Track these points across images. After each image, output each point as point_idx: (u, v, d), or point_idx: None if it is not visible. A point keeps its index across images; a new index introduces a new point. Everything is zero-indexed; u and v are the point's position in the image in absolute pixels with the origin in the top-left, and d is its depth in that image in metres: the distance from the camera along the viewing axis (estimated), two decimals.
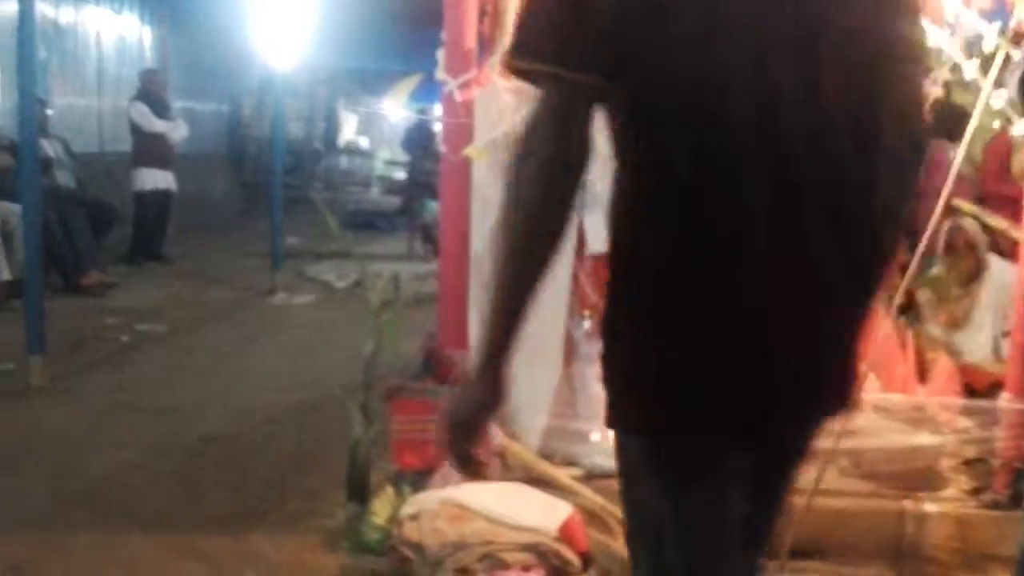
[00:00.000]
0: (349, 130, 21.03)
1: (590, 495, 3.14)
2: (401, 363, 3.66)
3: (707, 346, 1.32)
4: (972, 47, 3.09)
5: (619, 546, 2.95)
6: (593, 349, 3.50)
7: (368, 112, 20.19)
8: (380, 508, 3.11)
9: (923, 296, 4.53)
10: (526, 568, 2.71)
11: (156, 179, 9.23)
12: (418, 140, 11.99)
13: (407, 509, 2.89)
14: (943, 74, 3.21)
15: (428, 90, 3.72)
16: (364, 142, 20.61)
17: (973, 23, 3.06)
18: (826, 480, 3.13)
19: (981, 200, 4.30)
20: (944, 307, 4.39)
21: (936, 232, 3.89)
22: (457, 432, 1.41)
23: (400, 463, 3.23)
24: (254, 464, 3.99)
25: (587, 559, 2.81)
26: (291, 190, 11.44)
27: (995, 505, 3.20)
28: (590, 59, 1.27)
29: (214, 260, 9.51)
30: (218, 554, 3.17)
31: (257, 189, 13.38)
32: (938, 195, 3.03)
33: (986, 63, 3.06)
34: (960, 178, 3.11)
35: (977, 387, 3.69)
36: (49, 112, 8.50)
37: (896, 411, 3.45)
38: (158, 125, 9.17)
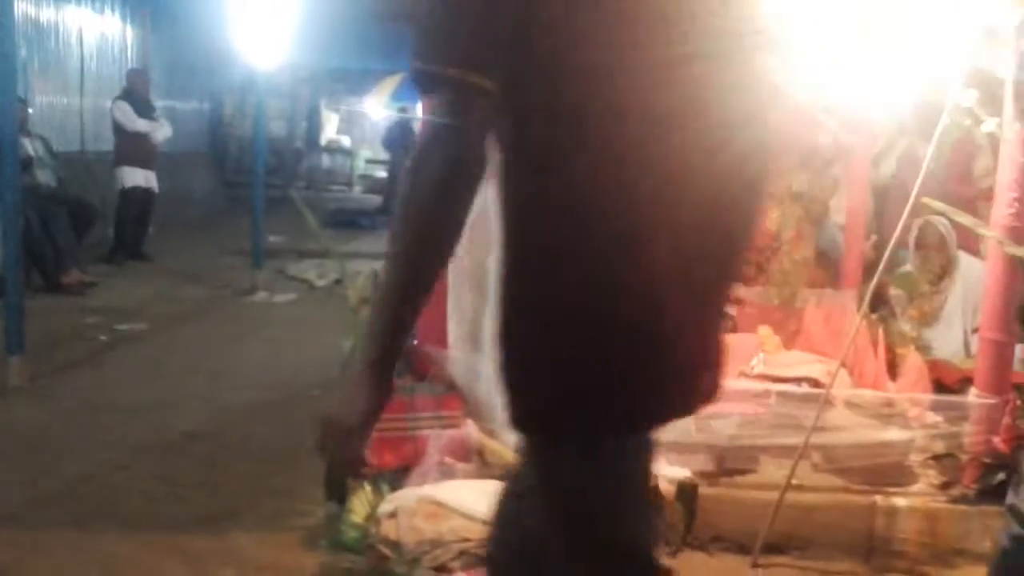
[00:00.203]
0: (331, 129, 20.98)
1: None
2: None
3: (608, 349, 1.37)
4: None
5: None
6: None
7: (350, 111, 20.17)
8: (358, 506, 3.12)
9: (894, 293, 4.59)
10: None
11: (137, 178, 9.22)
12: (399, 139, 12.02)
13: (385, 507, 2.91)
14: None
15: (409, 89, 3.74)
16: (346, 141, 20.56)
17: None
18: (798, 476, 3.19)
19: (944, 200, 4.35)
20: (915, 304, 4.45)
21: (906, 230, 3.95)
22: (340, 436, 1.38)
23: (378, 461, 3.25)
24: (234, 463, 4.00)
25: None
26: (273, 189, 11.44)
27: (964, 500, 3.25)
28: (494, 66, 1.29)
29: (195, 259, 9.49)
30: (198, 553, 3.18)
31: (239, 188, 13.36)
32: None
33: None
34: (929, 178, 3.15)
35: (947, 383, 3.74)
36: (30, 111, 8.47)
37: (867, 407, 3.51)
38: (140, 124, 9.16)
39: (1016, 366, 3.49)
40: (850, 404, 3.53)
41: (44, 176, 8.01)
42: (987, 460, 3.25)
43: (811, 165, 5.24)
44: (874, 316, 4.21)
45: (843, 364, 3.44)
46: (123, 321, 6.53)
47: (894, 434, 3.42)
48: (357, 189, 18.41)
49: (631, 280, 1.35)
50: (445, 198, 1.32)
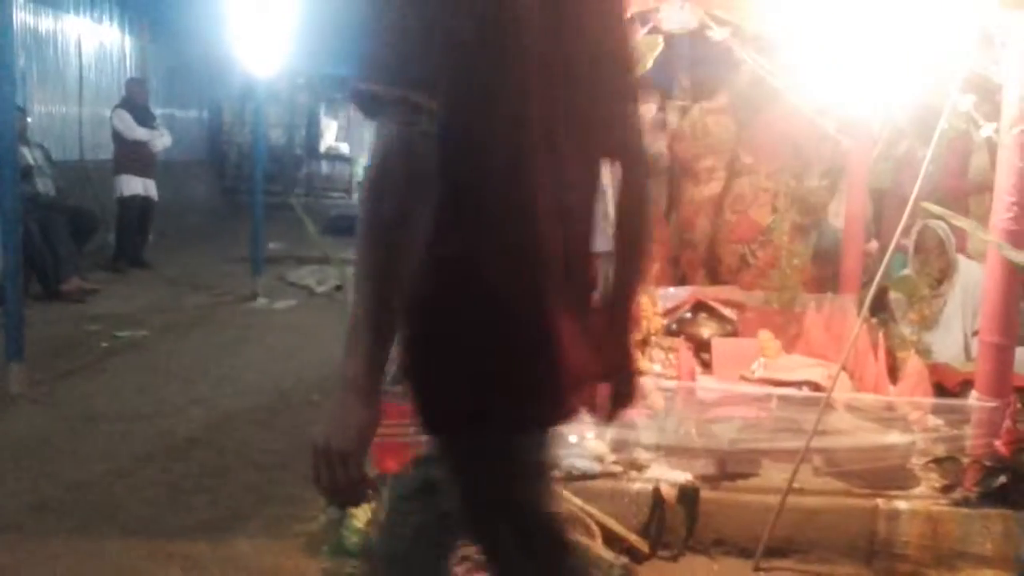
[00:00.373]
0: (330, 136, 21.00)
1: (568, 497, 3.18)
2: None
3: (516, 345, 1.40)
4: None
5: (597, 547, 3.00)
6: None
7: (349, 118, 20.18)
8: (359, 512, 3.12)
9: (894, 297, 4.60)
10: None
11: (136, 186, 9.23)
12: None
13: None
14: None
15: None
16: (345, 148, 20.58)
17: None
18: (799, 479, 3.20)
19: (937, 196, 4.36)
20: (915, 307, 4.45)
21: (906, 233, 3.96)
22: (337, 463, 1.37)
23: (380, 467, 3.25)
24: (235, 469, 4.00)
25: None
26: (272, 196, 11.44)
27: (965, 502, 3.25)
28: (435, 84, 1.33)
29: (195, 266, 9.50)
30: (200, 559, 3.18)
31: (238, 195, 13.37)
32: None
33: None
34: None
35: (948, 386, 3.75)
36: (29, 120, 8.49)
37: (868, 410, 3.51)
38: (139, 133, 9.19)
39: (1016, 369, 3.49)
40: (851, 408, 3.53)
41: (43, 185, 8.03)
42: (988, 463, 3.25)
43: (809, 169, 5.26)
44: (874, 320, 4.22)
45: (844, 368, 3.45)
46: (123, 328, 6.53)
47: (895, 437, 3.42)
48: (356, 196, 18.40)
49: (525, 288, 1.39)
50: (410, 215, 1.35)
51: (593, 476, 3.36)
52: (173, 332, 6.68)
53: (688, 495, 3.23)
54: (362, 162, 19.31)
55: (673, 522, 3.23)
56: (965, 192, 5.08)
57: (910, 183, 3.28)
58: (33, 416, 4.62)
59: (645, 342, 4.48)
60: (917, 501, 3.28)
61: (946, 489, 3.33)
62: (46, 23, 10.37)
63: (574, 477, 3.34)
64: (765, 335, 4.37)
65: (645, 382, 3.83)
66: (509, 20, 1.36)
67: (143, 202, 9.31)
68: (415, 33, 1.33)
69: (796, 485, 3.19)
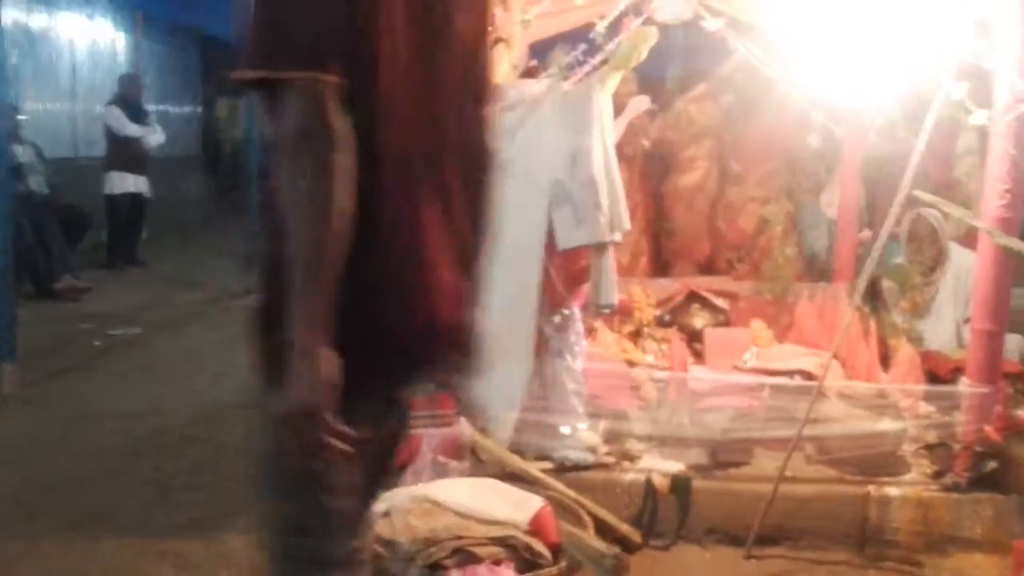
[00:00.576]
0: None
1: (561, 488, 3.19)
2: None
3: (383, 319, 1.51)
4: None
5: (590, 537, 3.00)
6: (564, 344, 3.55)
7: None
8: None
9: (886, 285, 4.60)
10: (497, 562, 2.73)
11: (127, 183, 9.18)
12: None
13: (378, 506, 2.90)
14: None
15: None
16: None
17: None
18: (791, 467, 3.21)
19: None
20: (907, 295, 4.46)
21: (898, 222, 3.96)
22: (303, 423, 1.40)
23: None
24: (228, 466, 4.00)
25: (558, 551, 2.84)
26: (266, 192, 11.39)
27: (956, 488, 3.26)
28: (336, 62, 1.41)
29: (189, 263, 9.48)
30: (193, 557, 3.18)
31: (232, 192, 13.33)
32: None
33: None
34: None
35: (939, 373, 3.76)
36: (21, 117, 8.45)
37: (859, 398, 3.52)
38: (131, 129, 9.13)
39: (1007, 355, 3.50)
40: (843, 396, 3.54)
41: (36, 183, 8.01)
42: (979, 449, 3.26)
43: (801, 158, 5.26)
44: (866, 308, 4.23)
45: (836, 356, 3.46)
46: (117, 326, 6.53)
47: (887, 425, 3.43)
48: None
49: (416, 258, 1.54)
50: (332, 177, 1.41)
51: (586, 467, 3.37)
52: (167, 330, 6.67)
53: (680, 485, 3.24)
54: None
55: (665, 512, 3.23)
56: (951, 180, 5.08)
57: (901, 172, 3.28)
58: (25, 416, 4.61)
59: (638, 333, 4.49)
60: (908, 487, 3.29)
61: (937, 475, 3.34)
62: (38, 20, 10.34)
63: (567, 468, 3.35)
64: (757, 325, 4.38)
65: (638, 374, 3.84)
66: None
67: (135, 199, 9.27)
68: (312, 14, 1.42)
69: (788, 473, 3.20)
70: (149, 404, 4.79)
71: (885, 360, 3.94)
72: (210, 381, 5.25)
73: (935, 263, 4.49)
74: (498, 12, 3.94)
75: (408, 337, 1.56)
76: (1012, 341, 3.79)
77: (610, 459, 3.44)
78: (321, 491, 1.54)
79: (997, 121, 3.21)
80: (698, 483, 3.27)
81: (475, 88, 1.70)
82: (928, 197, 3.38)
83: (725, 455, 3.46)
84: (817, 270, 5.20)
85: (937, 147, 4.88)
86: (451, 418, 3.28)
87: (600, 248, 3.41)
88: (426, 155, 1.57)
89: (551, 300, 3.51)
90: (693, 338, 4.46)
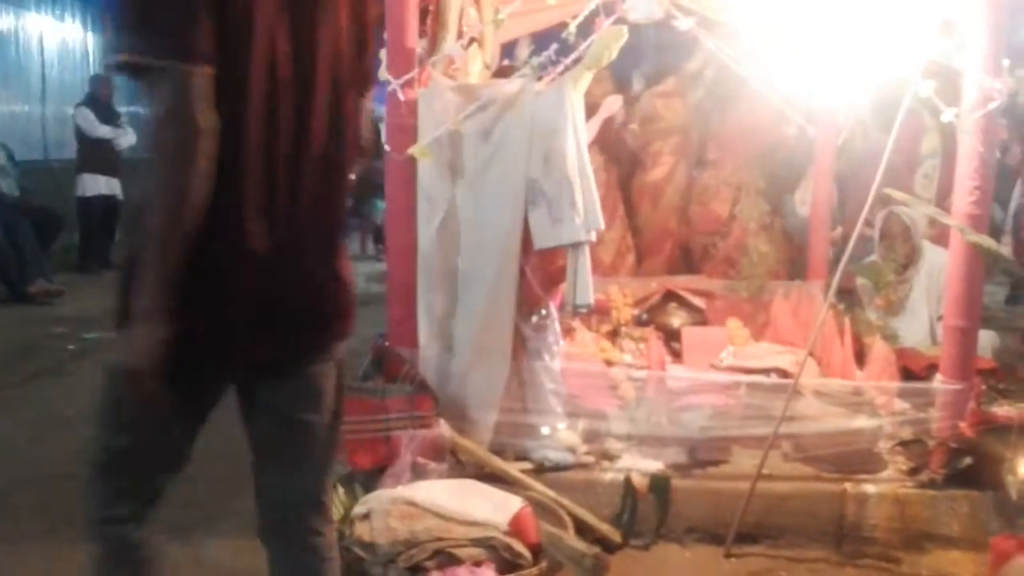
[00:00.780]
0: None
1: (541, 488, 3.19)
2: (352, 362, 3.65)
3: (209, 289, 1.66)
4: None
5: (570, 537, 3.00)
6: (542, 344, 3.55)
7: None
8: (335, 511, 3.11)
9: (860, 282, 4.64)
10: (477, 563, 2.73)
11: (100, 185, 9.09)
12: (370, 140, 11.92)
13: (358, 509, 2.90)
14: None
15: (376, 90, 3.73)
16: None
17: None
18: (769, 465, 3.22)
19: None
20: (881, 293, 4.50)
21: (869, 220, 3.99)
22: (133, 379, 1.62)
23: (351, 463, 3.24)
24: (207, 470, 3.91)
25: (538, 552, 2.84)
26: None
27: (932, 485, 3.29)
28: (201, 51, 1.55)
29: None
30: (174, 562, 3.10)
31: None
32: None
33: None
34: None
35: (914, 370, 3.79)
36: None
37: (835, 396, 3.54)
38: (102, 131, 9.04)
39: (980, 352, 3.53)
40: (819, 393, 3.56)
41: (7, 186, 7.92)
42: (954, 445, 3.29)
43: (775, 156, 5.29)
44: (841, 306, 4.26)
45: (811, 354, 3.48)
46: (91, 330, 6.45)
47: (862, 422, 3.45)
48: None
49: (248, 230, 1.67)
50: (189, 163, 1.56)
51: (565, 467, 3.37)
52: None
53: (659, 484, 3.25)
54: None
55: (645, 511, 3.24)
56: (911, 168, 5.14)
57: (872, 170, 3.30)
58: (9, 423, 4.55)
59: (615, 332, 4.50)
60: (885, 484, 3.32)
61: (913, 472, 3.36)
62: (6, 21, 10.22)
63: (546, 468, 3.35)
64: (734, 323, 4.41)
65: (616, 373, 3.85)
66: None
67: (108, 201, 9.18)
68: (181, 4, 1.54)
69: (766, 471, 3.21)
70: None
71: (860, 357, 3.97)
72: None
73: (908, 260, 4.53)
74: (470, 12, 3.95)
75: (237, 310, 1.70)
76: (984, 337, 3.83)
77: (589, 459, 3.44)
78: (130, 431, 1.83)
79: (965, 119, 3.25)
80: (677, 482, 3.28)
81: (343, 82, 1.81)
82: (900, 195, 3.41)
83: (703, 453, 3.47)
84: (793, 268, 5.24)
85: (903, 148, 4.95)
86: (430, 419, 3.27)
87: (576, 248, 3.42)
88: (286, 153, 1.71)
89: (528, 300, 3.51)
90: (670, 337, 4.48)
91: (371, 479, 3.13)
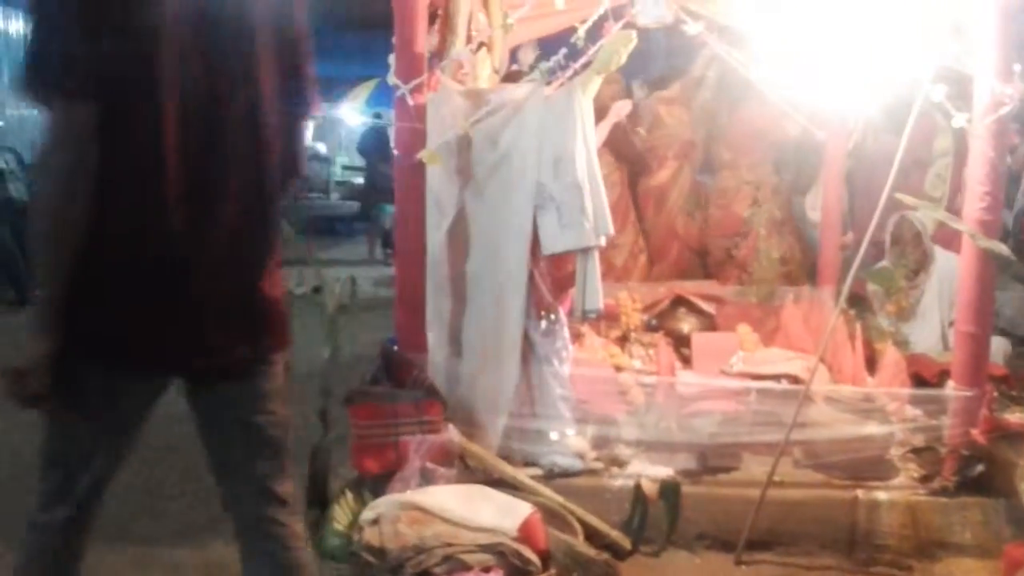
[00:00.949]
0: (307, 136, 20.83)
1: (550, 494, 3.17)
2: (361, 367, 3.66)
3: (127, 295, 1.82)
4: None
5: (579, 544, 2.99)
6: (551, 349, 3.54)
7: (325, 118, 20.03)
8: (340, 514, 3.10)
9: (871, 288, 4.61)
10: (486, 569, 2.72)
11: None
12: (374, 145, 11.95)
13: (367, 514, 2.89)
14: None
15: (384, 95, 3.74)
16: (322, 148, 20.44)
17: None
18: (779, 472, 3.21)
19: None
20: (892, 298, 4.47)
21: (882, 225, 3.97)
22: (17, 379, 1.81)
23: (360, 468, 3.23)
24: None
25: (547, 558, 2.82)
26: None
27: (944, 492, 3.27)
28: (86, 87, 1.70)
29: None
30: (178, 565, 3.16)
31: None
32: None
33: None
34: None
35: (926, 376, 3.76)
36: (0, 124, 8.39)
37: (846, 402, 3.52)
38: None
39: (992, 358, 3.51)
40: (829, 400, 3.54)
41: (15, 189, 7.94)
42: (966, 452, 3.27)
43: (785, 160, 5.27)
44: (852, 312, 4.24)
45: (822, 360, 3.46)
46: None
47: (874, 428, 3.43)
48: (334, 196, 18.30)
49: (160, 239, 1.81)
50: (74, 190, 1.73)
51: (574, 473, 3.36)
52: None
53: (669, 490, 3.23)
54: (340, 161, 19.23)
55: (655, 517, 3.23)
56: (922, 170, 5.12)
57: (881, 174, 3.29)
58: (5, 422, 4.55)
59: (625, 338, 4.48)
60: (896, 491, 3.30)
61: (925, 479, 3.34)
62: (15, 25, 10.25)
63: (555, 474, 3.34)
64: (744, 329, 4.39)
65: (625, 379, 3.83)
66: (146, 33, 1.74)
67: None
68: (72, 39, 1.69)
69: (776, 478, 3.20)
70: None
71: (871, 364, 3.94)
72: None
73: (919, 266, 4.50)
74: (479, 17, 3.94)
75: (131, 322, 1.84)
76: (996, 343, 3.80)
77: (598, 465, 3.43)
78: (48, 434, 1.98)
79: (976, 124, 3.23)
80: (687, 488, 3.26)
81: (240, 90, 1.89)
82: (911, 200, 3.39)
83: (713, 460, 3.46)
84: (804, 273, 5.21)
85: (914, 150, 4.93)
86: (439, 424, 3.26)
87: (585, 252, 3.41)
88: (201, 175, 1.83)
89: (537, 305, 3.50)
90: (680, 343, 4.46)
91: (380, 484, 3.11)
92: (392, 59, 3.49)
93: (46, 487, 2.03)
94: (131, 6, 1.74)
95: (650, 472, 3.33)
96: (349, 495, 3.15)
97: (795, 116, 4.63)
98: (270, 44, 1.94)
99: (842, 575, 3.14)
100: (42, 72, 1.73)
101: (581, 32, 3.33)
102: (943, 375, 3.56)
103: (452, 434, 3.24)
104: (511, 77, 4.24)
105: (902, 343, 4.14)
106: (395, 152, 3.56)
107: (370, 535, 2.81)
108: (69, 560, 2.09)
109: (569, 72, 3.58)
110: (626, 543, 3.18)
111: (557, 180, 3.35)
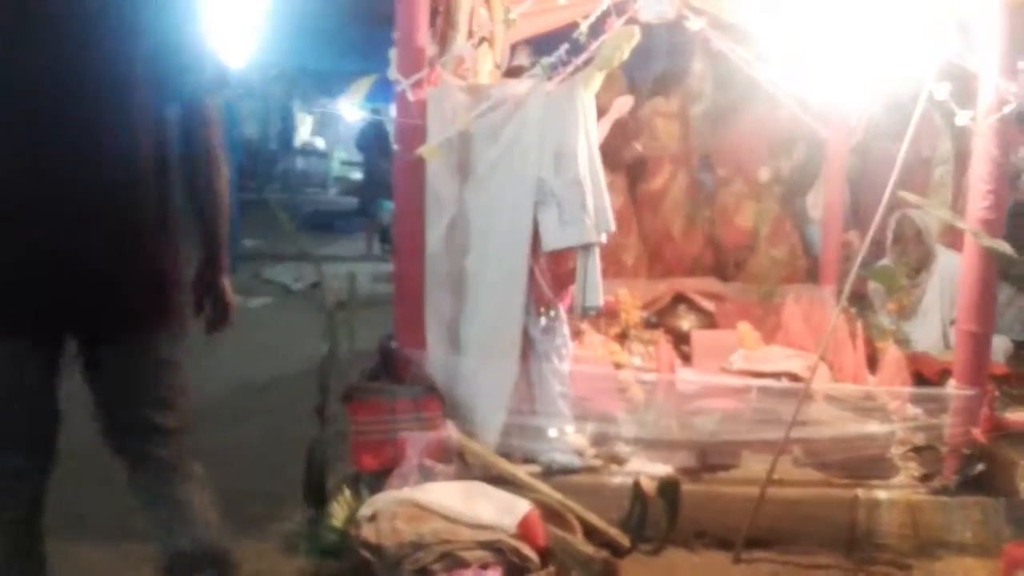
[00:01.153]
0: (305, 131, 20.83)
1: (548, 491, 3.16)
2: (359, 363, 3.64)
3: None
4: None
5: (578, 541, 2.97)
6: (551, 346, 3.53)
7: (324, 112, 20.03)
8: (338, 511, 3.09)
9: (872, 286, 4.60)
10: (484, 566, 2.70)
11: None
12: (373, 140, 11.93)
13: (365, 511, 2.88)
14: None
15: (383, 89, 3.72)
16: (320, 143, 20.44)
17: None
18: (779, 470, 3.19)
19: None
20: (893, 297, 4.47)
21: (884, 223, 3.96)
22: None
23: (358, 464, 3.22)
24: (209, 468, 3.91)
25: (545, 555, 2.81)
26: (247, 192, 11.34)
27: (945, 491, 3.26)
28: None
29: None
30: None
31: None
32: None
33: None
34: None
35: (927, 375, 3.76)
36: None
37: (847, 401, 3.51)
38: None
39: (993, 357, 3.50)
40: (830, 398, 3.53)
41: None
42: (967, 451, 3.26)
43: (789, 155, 5.25)
44: (853, 310, 4.23)
45: (823, 358, 3.45)
46: None
47: (874, 427, 3.42)
48: (333, 191, 18.29)
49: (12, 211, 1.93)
50: None
51: (573, 470, 3.35)
52: None
53: (668, 488, 3.22)
54: (338, 156, 19.19)
55: (654, 515, 3.21)
56: (926, 188, 5.11)
57: (884, 172, 3.27)
58: None
59: (624, 335, 4.47)
60: (897, 490, 3.29)
61: (925, 478, 3.34)
62: None
63: (554, 471, 3.32)
64: (744, 327, 4.37)
65: (625, 376, 3.82)
66: None
67: None
68: None
69: (776, 476, 3.18)
70: None
71: (872, 362, 3.93)
72: (189, 383, 5.16)
73: (921, 265, 4.50)
74: (480, 12, 3.92)
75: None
76: (998, 342, 3.80)
77: (597, 462, 3.42)
78: None
79: (980, 122, 3.21)
80: (686, 486, 3.24)
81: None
82: (914, 198, 3.38)
83: (713, 458, 3.45)
84: (802, 271, 5.21)
85: (917, 150, 4.92)
86: (437, 421, 3.25)
87: (586, 249, 3.39)
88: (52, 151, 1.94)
89: (537, 302, 3.49)
90: (680, 340, 4.45)
91: (378, 480, 3.11)
92: (392, 54, 3.46)
93: None
94: None
95: (649, 470, 3.31)
96: (347, 491, 3.14)
97: (797, 113, 4.62)
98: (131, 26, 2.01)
99: (841, 574, 3.12)
100: None
101: (583, 27, 3.31)
102: (944, 374, 3.55)
103: (451, 431, 3.23)
104: (512, 73, 4.22)
105: (903, 342, 4.13)
106: (395, 147, 3.54)
107: (368, 532, 2.80)
108: (23, 530, 2.25)
109: (571, 68, 3.56)
110: (625, 541, 3.16)
111: (558, 176, 3.33)
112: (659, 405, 3.60)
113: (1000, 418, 3.34)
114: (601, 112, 3.84)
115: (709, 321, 4.62)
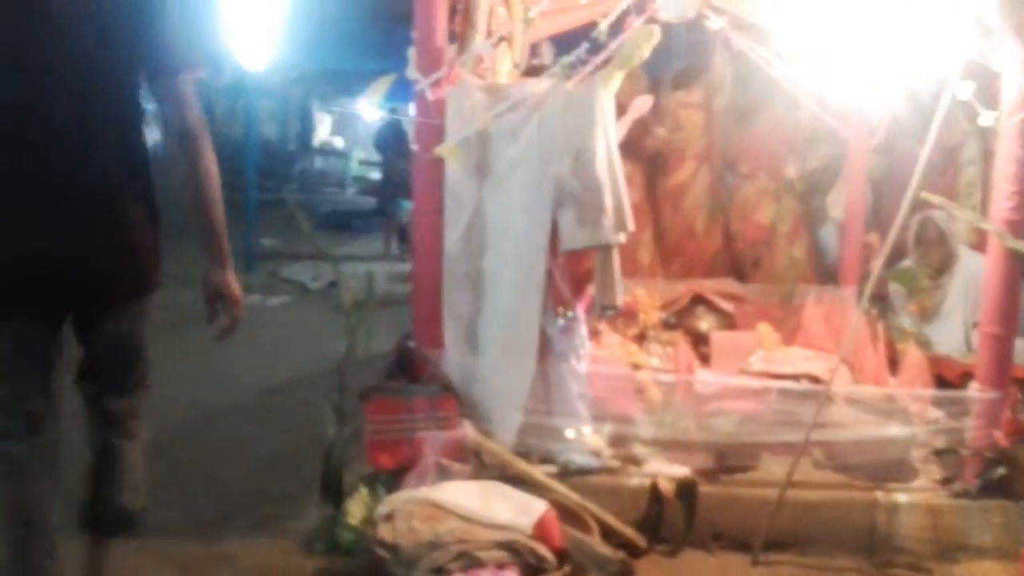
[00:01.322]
0: (324, 131, 20.92)
1: (565, 492, 3.15)
2: (376, 363, 3.64)
3: None
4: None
5: (595, 542, 2.96)
6: (568, 346, 3.51)
7: (342, 112, 20.10)
8: (354, 509, 3.10)
9: (894, 288, 4.57)
10: (501, 566, 2.70)
11: None
12: (392, 140, 11.94)
13: (381, 510, 2.88)
14: None
15: (402, 89, 3.72)
16: (339, 142, 20.51)
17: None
18: (799, 472, 3.17)
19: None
20: (915, 299, 4.43)
21: (906, 224, 3.93)
22: None
23: (374, 463, 3.22)
24: (227, 467, 3.96)
25: (562, 556, 2.81)
26: (265, 192, 11.38)
27: (966, 495, 3.23)
28: None
29: (185, 262, 9.28)
30: (192, 559, 3.15)
31: (231, 191, 13.28)
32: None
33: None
34: None
35: (948, 378, 3.72)
36: None
37: (867, 403, 3.48)
38: None
39: (1017, 360, 3.46)
40: (851, 400, 3.50)
41: None
42: (988, 455, 3.23)
43: (813, 154, 5.23)
44: (874, 312, 4.19)
45: (843, 360, 3.42)
46: None
47: (895, 430, 3.39)
48: (351, 191, 18.34)
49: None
50: None
51: (591, 471, 3.33)
52: (162, 330, 6.50)
53: (686, 490, 3.20)
54: (356, 156, 19.25)
55: (671, 517, 3.20)
56: (954, 189, 5.07)
57: (904, 174, 3.24)
58: None
59: (643, 336, 4.45)
60: (917, 494, 3.26)
61: (946, 481, 3.31)
62: None
63: (571, 472, 3.31)
64: (764, 328, 4.34)
65: (643, 377, 3.80)
66: None
67: None
68: None
69: (795, 479, 3.16)
70: (145, 405, 4.74)
71: (893, 364, 3.90)
72: (207, 382, 5.21)
73: (943, 266, 4.46)
74: (499, 11, 3.92)
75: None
76: (1021, 345, 3.75)
77: (615, 463, 3.41)
78: None
79: (1003, 122, 3.18)
80: (704, 488, 3.23)
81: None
82: (936, 199, 3.34)
83: (731, 459, 3.43)
84: (825, 272, 5.18)
85: (942, 151, 4.87)
86: (454, 420, 3.25)
87: (605, 249, 3.38)
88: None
89: (555, 302, 3.48)
90: (699, 341, 4.42)
91: (394, 480, 3.11)
92: (411, 53, 3.46)
93: None
94: None
95: (667, 471, 3.30)
96: (364, 491, 3.14)
97: (819, 113, 4.59)
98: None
99: None
100: None
101: (603, 26, 3.29)
102: (966, 376, 3.51)
103: (467, 430, 3.22)
104: (531, 72, 4.21)
105: (924, 344, 4.09)
106: (413, 147, 3.53)
107: (384, 531, 2.80)
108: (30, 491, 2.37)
109: (590, 67, 3.55)
110: (642, 542, 3.15)
111: (577, 176, 3.32)
112: (677, 406, 3.58)
113: (1022, 422, 3.30)
114: (621, 111, 3.83)
115: (728, 322, 4.59)
